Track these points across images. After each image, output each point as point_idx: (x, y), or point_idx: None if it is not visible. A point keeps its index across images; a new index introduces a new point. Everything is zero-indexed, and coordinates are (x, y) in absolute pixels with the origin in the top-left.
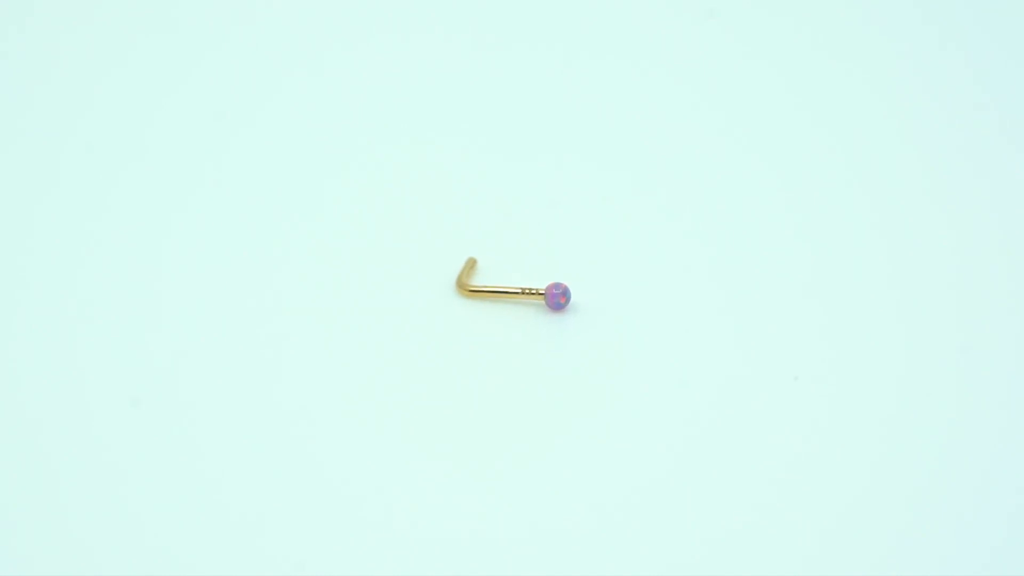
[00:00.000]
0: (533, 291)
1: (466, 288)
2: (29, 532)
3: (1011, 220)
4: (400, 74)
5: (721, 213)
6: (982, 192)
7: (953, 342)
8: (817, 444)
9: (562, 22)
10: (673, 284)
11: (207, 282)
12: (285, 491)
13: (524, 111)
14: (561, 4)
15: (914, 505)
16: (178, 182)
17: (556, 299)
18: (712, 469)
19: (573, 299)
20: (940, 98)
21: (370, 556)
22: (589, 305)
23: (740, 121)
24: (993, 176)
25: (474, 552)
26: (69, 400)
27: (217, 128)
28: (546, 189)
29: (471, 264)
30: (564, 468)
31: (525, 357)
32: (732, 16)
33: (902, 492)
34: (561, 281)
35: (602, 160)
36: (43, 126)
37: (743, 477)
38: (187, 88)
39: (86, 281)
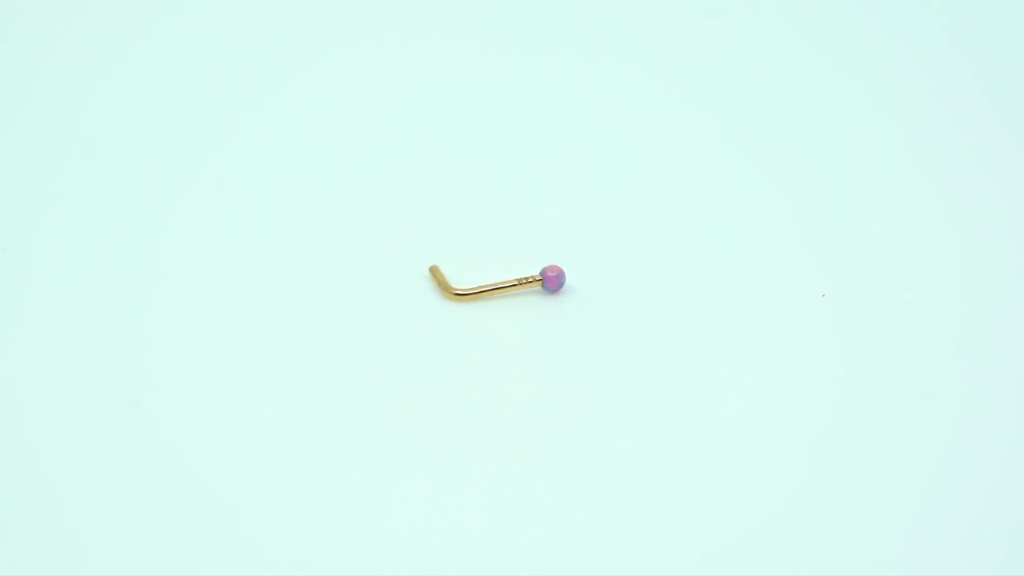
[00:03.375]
0: (528, 279)
1: (452, 292)
2: (27, 534)
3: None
4: (386, 70)
5: (714, 199)
6: (976, 181)
7: (955, 339)
8: (825, 434)
9: (555, 17)
10: (669, 263)
11: (201, 290)
12: (285, 491)
13: (515, 106)
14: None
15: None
16: (164, 186)
17: (558, 279)
18: (726, 460)
19: (568, 282)
20: (941, 96)
21: (373, 557)
22: (586, 289)
23: (735, 111)
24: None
25: (484, 552)
26: (64, 400)
27: (210, 130)
28: (537, 182)
29: (437, 271)
30: (593, 454)
31: (530, 348)
32: (731, 15)
33: (909, 500)
34: (552, 264)
35: (589, 150)
36: (37, 128)
37: (759, 468)
38: (173, 92)
39: (71, 280)
